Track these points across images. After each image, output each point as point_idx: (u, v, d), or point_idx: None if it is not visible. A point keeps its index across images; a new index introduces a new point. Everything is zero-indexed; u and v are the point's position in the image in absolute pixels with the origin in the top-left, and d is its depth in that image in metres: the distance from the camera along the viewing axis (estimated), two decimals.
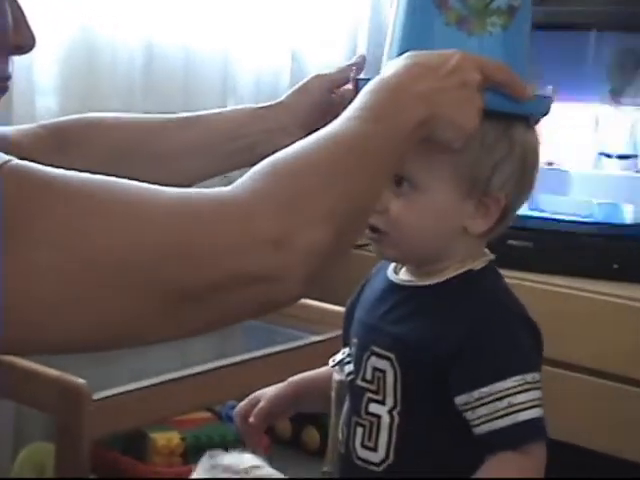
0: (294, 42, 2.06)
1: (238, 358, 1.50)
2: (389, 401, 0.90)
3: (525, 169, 0.90)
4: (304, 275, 0.67)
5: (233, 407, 1.83)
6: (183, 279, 0.63)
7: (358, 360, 0.94)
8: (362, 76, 0.99)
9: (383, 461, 0.90)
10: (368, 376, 0.92)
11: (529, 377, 0.85)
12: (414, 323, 0.89)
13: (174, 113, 1.05)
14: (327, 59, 2.08)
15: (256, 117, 1.03)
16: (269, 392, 1.06)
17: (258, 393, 1.08)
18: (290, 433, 1.95)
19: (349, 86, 1.02)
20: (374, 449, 0.90)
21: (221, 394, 1.52)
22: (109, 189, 0.64)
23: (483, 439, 0.85)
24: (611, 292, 1.75)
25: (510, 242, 1.77)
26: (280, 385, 1.07)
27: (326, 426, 1.84)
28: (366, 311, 0.96)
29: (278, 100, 1.05)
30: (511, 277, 0.99)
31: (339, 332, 1.05)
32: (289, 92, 1.06)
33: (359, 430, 0.92)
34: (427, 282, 0.91)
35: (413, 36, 0.87)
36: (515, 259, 1.71)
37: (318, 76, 1.04)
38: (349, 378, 0.95)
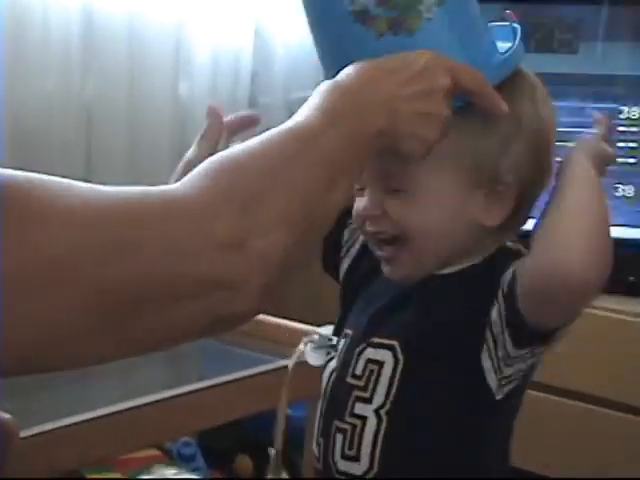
0: (257, 16, 2.05)
1: (193, 386, 1.46)
2: (377, 399, 0.90)
3: (538, 147, 0.90)
4: (262, 282, 0.68)
5: (186, 444, 1.82)
6: (124, 285, 0.63)
7: (349, 354, 0.94)
8: None
9: (367, 472, 0.91)
10: (358, 371, 0.93)
11: None
12: (426, 310, 0.90)
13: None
14: (293, 37, 2.09)
15: None
16: None
17: None
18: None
19: None
20: (356, 458, 0.91)
21: (172, 429, 1.49)
22: (35, 187, 0.63)
23: None
24: (626, 309, 1.77)
25: None
26: None
27: (259, 453, 1.87)
28: (370, 302, 0.95)
29: None
30: None
31: None
32: None
33: (339, 437, 0.93)
34: (443, 271, 0.92)
35: (344, 56, 0.83)
36: None
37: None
38: (332, 376, 0.96)
